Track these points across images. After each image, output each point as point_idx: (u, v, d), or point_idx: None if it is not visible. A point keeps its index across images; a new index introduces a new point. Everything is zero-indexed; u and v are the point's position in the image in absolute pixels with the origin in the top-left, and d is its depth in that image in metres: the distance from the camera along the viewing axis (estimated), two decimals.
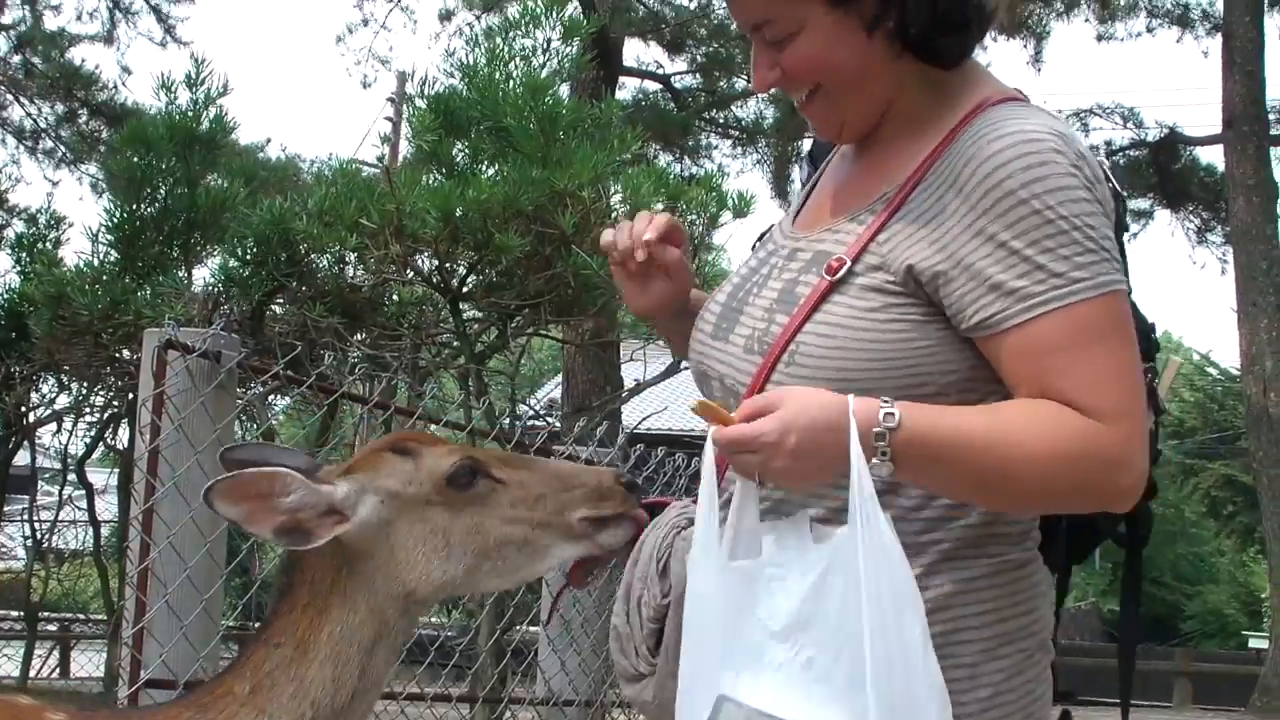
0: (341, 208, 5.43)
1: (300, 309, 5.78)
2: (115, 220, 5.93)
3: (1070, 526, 1.79)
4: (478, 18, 17.24)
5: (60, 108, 18.88)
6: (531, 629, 6.24)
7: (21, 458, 7.61)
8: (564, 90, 6.77)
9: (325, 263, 5.98)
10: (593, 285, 5.50)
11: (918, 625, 1.52)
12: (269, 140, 23.67)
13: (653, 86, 18.13)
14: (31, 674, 8.62)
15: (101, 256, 5.95)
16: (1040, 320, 1.58)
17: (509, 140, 5.55)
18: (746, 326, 1.79)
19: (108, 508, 9.12)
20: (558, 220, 5.31)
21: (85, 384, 6.74)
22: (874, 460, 1.55)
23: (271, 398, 6.66)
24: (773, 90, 1.87)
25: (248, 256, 5.79)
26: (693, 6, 17.68)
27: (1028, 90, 1.81)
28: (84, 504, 7.78)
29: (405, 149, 19.76)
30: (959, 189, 1.63)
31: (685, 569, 1.72)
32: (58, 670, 12.80)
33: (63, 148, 18.87)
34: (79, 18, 18.85)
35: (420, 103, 5.93)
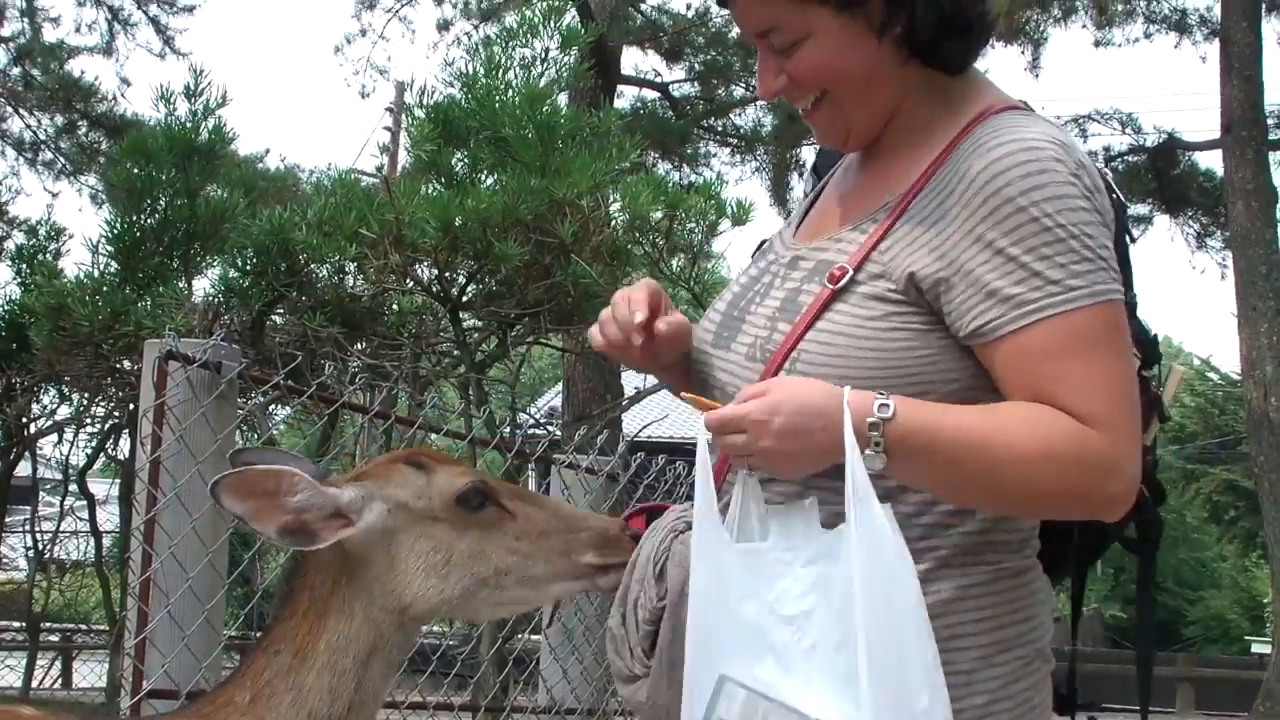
0: (341, 218, 5.44)
1: (300, 319, 5.78)
2: (115, 231, 5.93)
3: (1080, 530, 1.80)
4: (476, 27, 17.31)
5: (60, 119, 18.88)
6: (533, 637, 6.24)
7: (23, 468, 7.60)
8: (562, 99, 6.79)
9: (325, 272, 5.99)
10: (592, 293, 5.51)
11: (911, 617, 1.53)
12: (268, 151, 23.76)
13: (651, 95, 18.14)
14: (34, 684, 8.60)
15: (102, 267, 5.95)
16: (1035, 327, 1.59)
17: (508, 149, 5.56)
18: (748, 335, 1.79)
19: (109, 518, 9.11)
20: (557, 229, 5.32)
21: (86, 395, 6.74)
22: (867, 451, 1.57)
23: (272, 408, 6.66)
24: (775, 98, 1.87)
25: (248, 267, 5.79)
26: (690, 15, 17.71)
27: (1026, 97, 1.81)
28: (85, 515, 7.76)
29: (404, 159, 19.81)
30: (959, 196, 1.64)
31: (682, 572, 1.73)
32: (60, 681, 12.77)
33: (62, 159, 18.87)
34: (78, 30, 18.81)
35: (419, 112, 5.94)
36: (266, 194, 6.99)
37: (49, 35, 18.69)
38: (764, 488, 1.69)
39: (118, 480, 7.54)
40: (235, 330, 5.60)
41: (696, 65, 18.07)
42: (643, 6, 17.58)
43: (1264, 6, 15.67)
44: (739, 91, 18.02)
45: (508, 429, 5.64)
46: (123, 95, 24.18)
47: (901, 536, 1.56)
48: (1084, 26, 18.20)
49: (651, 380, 6.52)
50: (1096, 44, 18.35)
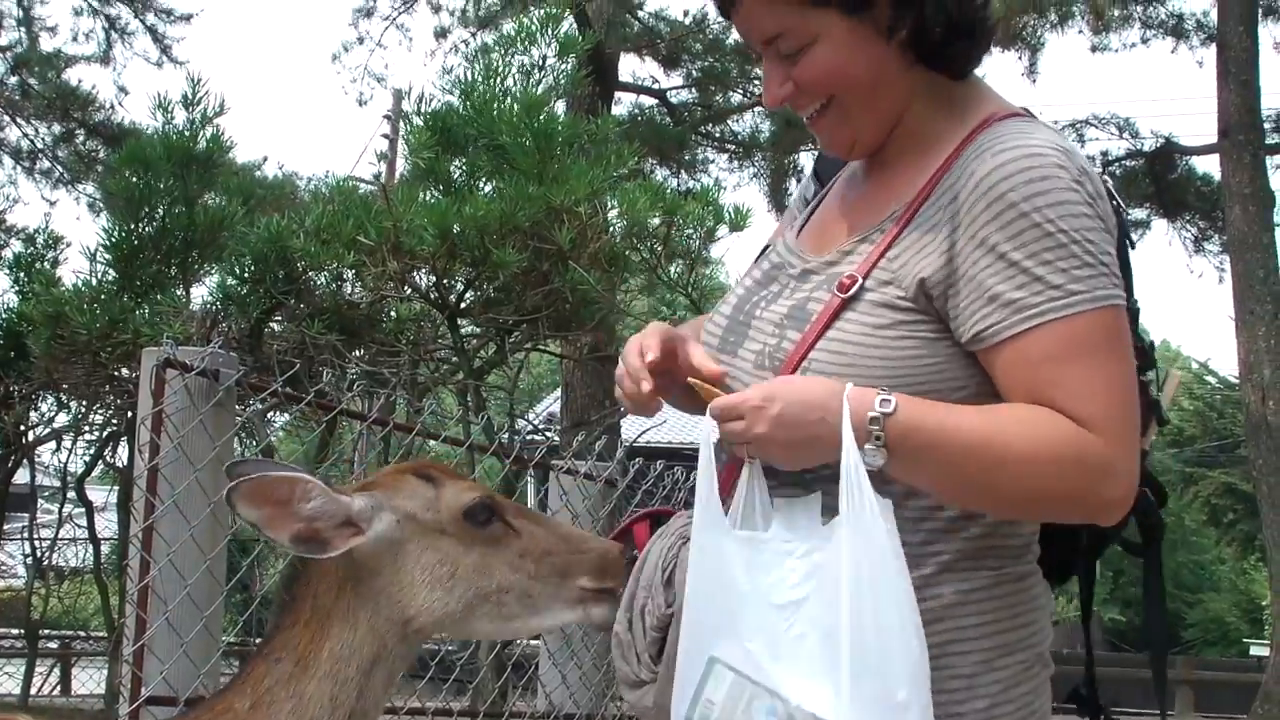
0: (339, 225, 5.44)
1: (298, 326, 5.78)
2: (113, 239, 5.94)
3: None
4: (473, 35, 17.29)
5: (57, 128, 18.88)
6: (532, 642, 6.23)
7: (21, 476, 7.61)
8: (560, 106, 6.79)
9: (323, 280, 5.99)
10: (590, 300, 5.51)
11: (898, 609, 1.54)
12: (266, 158, 23.78)
13: (649, 101, 18.14)
14: (32, 692, 8.60)
15: (99, 275, 5.96)
16: (1036, 331, 1.60)
17: (505, 156, 5.57)
18: (756, 342, 1.79)
19: (107, 525, 9.12)
20: (555, 236, 5.33)
21: (84, 402, 6.75)
22: (868, 446, 1.57)
23: (270, 415, 6.65)
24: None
25: (245, 274, 5.79)
26: (688, 21, 17.71)
27: (1023, 102, 1.82)
28: (84, 522, 7.78)
29: (402, 166, 19.81)
30: (964, 201, 1.65)
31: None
32: (59, 688, 12.75)
33: (60, 168, 18.87)
34: (75, 39, 18.81)
35: (417, 120, 5.95)
36: (264, 202, 6.99)
37: (46, 44, 18.73)
38: (771, 485, 1.69)
39: (116, 487, 7.56)
40: (233, 338, 5.60)
41: (694, 71, 18.07)
42: (640, 13, 17.57)
43: (1260, 11, 15.70)
44: (736, 97, 18.02)
45: (506, 435, 5.63)
46: (120, 104, 24.09)
47: (895, 529, 1.57)
48: (1081, 32, 18.20)
49: None
50: (1093, 49, 18.36)
